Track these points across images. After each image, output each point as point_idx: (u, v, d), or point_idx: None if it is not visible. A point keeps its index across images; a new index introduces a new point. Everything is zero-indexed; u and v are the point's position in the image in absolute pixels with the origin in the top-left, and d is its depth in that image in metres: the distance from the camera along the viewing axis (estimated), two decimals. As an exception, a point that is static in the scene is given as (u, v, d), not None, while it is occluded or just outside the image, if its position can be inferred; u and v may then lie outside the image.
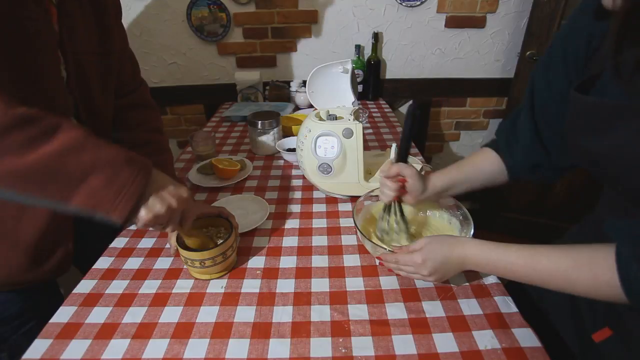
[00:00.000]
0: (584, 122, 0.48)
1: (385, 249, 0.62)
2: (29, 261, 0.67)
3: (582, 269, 0.45)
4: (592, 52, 0.52)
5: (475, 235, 0.69)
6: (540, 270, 0.48)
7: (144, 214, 0.53)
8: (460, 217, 0.72)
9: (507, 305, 0.59)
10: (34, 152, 0.44)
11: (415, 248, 0.59)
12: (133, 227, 0.83)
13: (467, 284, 0.64)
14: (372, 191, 0.78)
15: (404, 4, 1.64)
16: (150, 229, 0.58)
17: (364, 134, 0.88)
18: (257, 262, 0.71)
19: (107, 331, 0.57)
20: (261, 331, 0.56)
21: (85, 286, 0.66)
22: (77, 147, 0.47)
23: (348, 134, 0.84)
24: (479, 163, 0.71)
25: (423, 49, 1.76)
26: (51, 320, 0.59)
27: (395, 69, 1.81)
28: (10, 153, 0.43)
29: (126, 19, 0.83)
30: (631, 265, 0.41)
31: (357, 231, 0.67)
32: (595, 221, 0.64)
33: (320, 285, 0.65)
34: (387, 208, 0.71)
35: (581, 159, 0.53)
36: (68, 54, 0.65)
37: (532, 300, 0.69)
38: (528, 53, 1.64)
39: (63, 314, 0.60)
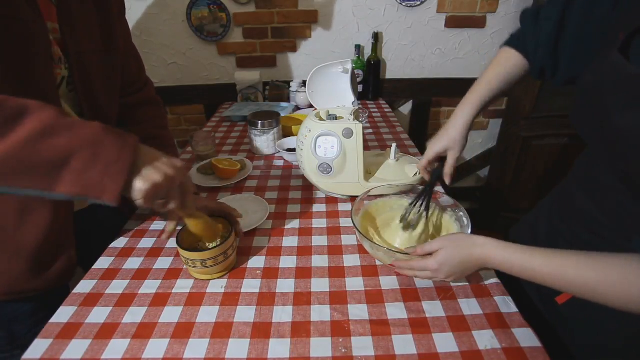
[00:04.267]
0: (617, 91, 0.46)
1: (384, 247, 0.62)
2: (30, 270, 0.66)
3: (612, 284, 0.43)
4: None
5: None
6: (567, 281, 0.47)
7: (140, 184, 0.48)
8: (462, 217, 0.72)
9: (507, 305, 0.59)
10: (4, 139, 0.41)
11: (430, 250, 0.58)
12: (133, 228, 0.83)
13: (467, 284, 0.64)
14: (369, 191, 0.77)
15: (404, 4, 1.64)
16: (154, 211, 0.55)
17: (364, 134, 0.88)
18: (257, 262, 0.71)
19: (107, 331, 0.57)
20: (261, 331, 0.56)
21: (85, 286, 0.66)
22: (49, 130, 0.43)
23: (348, 134, 0.84)
24: (504, 71, 0.70)
25: (423, 49, 1.76)
26: (51, 320, 0.59)
27: (395, 69, 1.81)
28: None
29: (126, 19, 0.83)
30: None
31: (356, 231, 0.67)
32: (564, 192, 0.66)
33: (320, 285, 0.65)
34: (418, 202, 0.72)
35: (595, 131, 0.50)
36: (70, 53, 0.65)
37: (531, 300, 0.69)
38: (528, 53, 1.64)
39: (63, 314, 0.60)
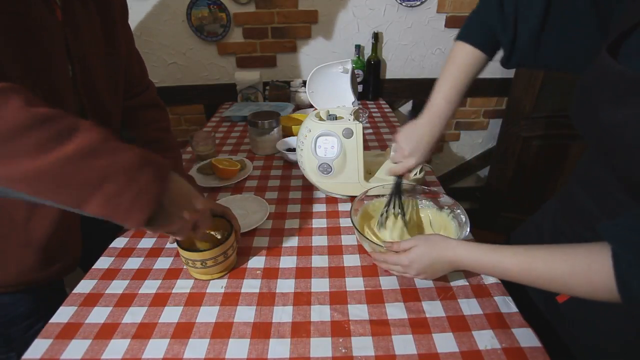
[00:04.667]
0: (604, 88, 0.46)
1: (384, 247, 0.62)
2: (40, 261, 0.68)
3: (579, 275, 0.44)
4: None
5: (475, 235, 0.69)
6: (537, 276, 0.48)
7: (154, 229, 0.52)
8: (460, 215, 0.72)
9: (507, 305, 0.59)
10: (50, 154, 0.41)
11: (405, 247, 0.60)
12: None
13: (467, 284, 0.64)
14: (367, 191, 0.77)
15: (404, 4, 1.64)
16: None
17: (364, 134, 0.88)
18: (257, 262, 0.71)
19: (107, 331, 0.57)
20: (261, 331, 0.56)
21: (85, 286, 0.66)
22: (93, 151, 0.44)
23: (348, 134, 0.84)
24: (468, 72, 0.67)
25: (423, 49, 1.76)
26: (51, 320, 0.59)
27: (395, 69, 1.81)
28: (25, 154, 0.41)
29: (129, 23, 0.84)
30: (629, 274, 0.40)
31: (356, 231, 0.67)
32: (567, 191, 0.65)
33: (320, 285, 0.65)
34: (389, 204, 0.73)
35: (590, 128, 0.51)
36: (74, 56, 0.66)
37: (531, 300, 0.69)
38: (528, 53, 1.64)
39: (63, 314, 0.60)
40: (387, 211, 0.74)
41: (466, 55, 0.67)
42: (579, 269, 0.44)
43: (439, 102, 0.69)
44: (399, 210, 0.73)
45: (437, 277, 0.61)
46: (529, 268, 0.48)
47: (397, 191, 0.74)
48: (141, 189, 0.46)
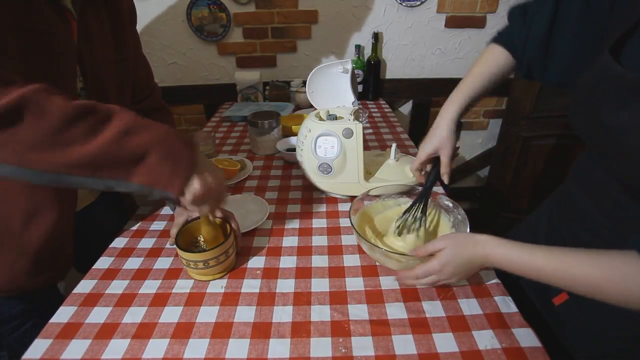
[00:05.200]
0: (606, 90, 0.46)
1: (382, 248, 0.62)
2: (32, 267, 0.68)
3: (614, 282, 0.43)
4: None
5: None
6: (570, 279, 0.47)
7: (197, 184, 0.55)
8: (459, 217, 0.72)
9: (507, 305, 0.59)
10: (96, 138, 0.47)
11: (432, 250, 0.58)
12: (133, 228, 0.83)
13: (467, 283, 0.64)
14: (369, 191, 0.78)
15: (404, 4, 1.64)
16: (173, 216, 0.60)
17: (364, 134, 0.88)
18: (257, 262, 0.71)
19: (107, 331, 0.57)
20: (261, 331, 0.56)
21: (85, 286, 0.66)
22: (132, 129, 0.50)
23: (348, 134, 0.84)
24: (488, 69, 0.71)
25: (423, 49, 1.76)
26: (51, 320, 0.59)
27: (395, 69, 1.81)
28: (76, 142, 0.46)
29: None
30: None
31: (354, 231, 0.67)
32: (564, 192, 0.66)
33: (320, 285, 0.65)
34: (412, 208, 0.71)
35: (589, 129, 0.51)
36: (86, 66, 0.66)
37: (531, 300, 0.69)
38: (528, 53, 1.63)
39: (63, 314, 0.60)
40: (408, 217, 0.70)
41: (492, 52, 0.70)
42: (615, 276, 0.43)
43: (453, 92, 0.75)
44: (419, 217, 0.70)
45: (470, 275, 0.60)
46: (562, 270, 0.47)
47: (421, 198, 0.71)
48: (179, 156, 0.53)
